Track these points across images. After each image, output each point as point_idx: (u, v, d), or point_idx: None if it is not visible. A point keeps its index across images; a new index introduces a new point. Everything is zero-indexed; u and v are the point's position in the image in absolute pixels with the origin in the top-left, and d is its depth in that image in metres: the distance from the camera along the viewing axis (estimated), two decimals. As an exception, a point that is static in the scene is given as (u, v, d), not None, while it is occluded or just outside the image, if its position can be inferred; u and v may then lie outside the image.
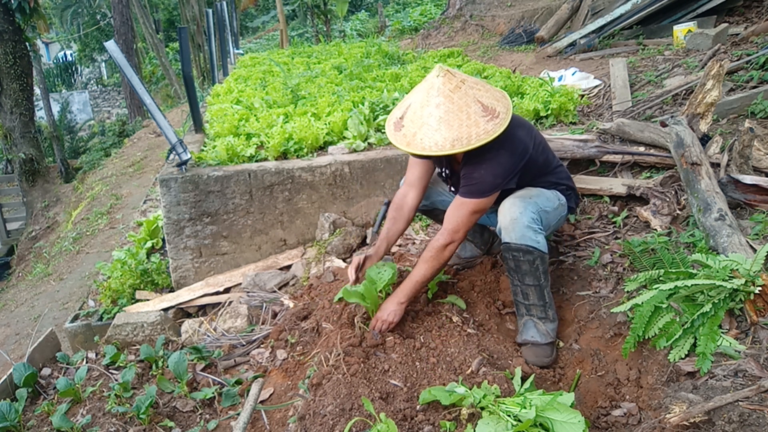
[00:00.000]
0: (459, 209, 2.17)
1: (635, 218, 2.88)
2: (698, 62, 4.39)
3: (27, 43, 10.78)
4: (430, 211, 2.69)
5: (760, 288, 1.91)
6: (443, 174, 2.46)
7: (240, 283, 3.41)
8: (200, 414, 2.46)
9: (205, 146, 3.89)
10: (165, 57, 15.84)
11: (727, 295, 1.95)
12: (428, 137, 1.97)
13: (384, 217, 2.42)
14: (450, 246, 2.20)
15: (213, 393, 2.52)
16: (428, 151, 1.97)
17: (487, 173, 2.11)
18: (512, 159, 2.14)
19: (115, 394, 2.54)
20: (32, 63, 11.06)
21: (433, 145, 1.96)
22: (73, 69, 26.15)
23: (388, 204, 2.41)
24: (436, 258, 2.20)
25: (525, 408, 1.70)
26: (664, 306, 2.05)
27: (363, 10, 20.04)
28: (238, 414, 2.30)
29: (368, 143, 3.78)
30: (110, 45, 3.29)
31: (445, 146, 1.95)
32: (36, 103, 12.30)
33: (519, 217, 2.17)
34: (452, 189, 2.45)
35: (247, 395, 2.16)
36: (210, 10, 7.16)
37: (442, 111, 1.98)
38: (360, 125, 3.83)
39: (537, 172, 2.32)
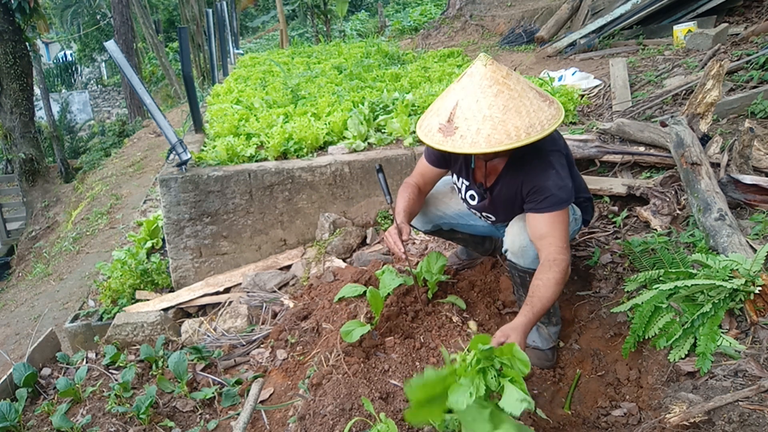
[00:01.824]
0: (557, 224, 1.93)
1: (635, 218, 2.88)
2: (698, 62, 4.39)
3: (27, 43, 10.76)
4: (433, 233, 2.64)
5: (760, 288, 1.91)
6: (461, 181, 2.30)
7: (240, 283, 3.41)
8: (200, 414, 2.46)
9: (205, 146, 3.89)
10: (165, 57, 15.83)
11: (727, 295, 1.95)
12: (497, 130, 1.75)
13: (386, 184, 2.28)
14: (569, 264, 1.96)
15: (213, 393, 2.52)
16: (500, 145, 1.74)
17: (557, 180, 1.94)
18: (563, 157, 2.03)
19: (115, 394, 2.54)
20: (32, 63, 11.05)
21: (505, 138, 1.74)
22: (73, 69, 26.14)
23: (379, 168, 2.25)
24: (565, 280, 1.91)
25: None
26: (664, 306, 2.05)
27: (363, 10, 20.04)
28: (238, 414, 2.30)
29: (368, 143, 3.78)
30: (110, 45, 3.29)
31: (520, 136, 1.74)
32: (36, 103, 12.29)
33: (529, 245, 2.05)
34: (471, 200, 2.29)
35: (247, 395, 2.16)
36: (210, 10, 7.16)
37: (504, 99, 1.78)
38: (360, 125, 3.83)
39: None
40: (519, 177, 2.02)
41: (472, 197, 2.27)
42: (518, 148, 1.82)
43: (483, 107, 1.78)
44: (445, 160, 2.29)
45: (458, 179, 2.32)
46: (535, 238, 1.99)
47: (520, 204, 2.08)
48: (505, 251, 2.18)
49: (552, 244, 1.92)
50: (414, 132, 3.78)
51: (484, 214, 2.32)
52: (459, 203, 2.46)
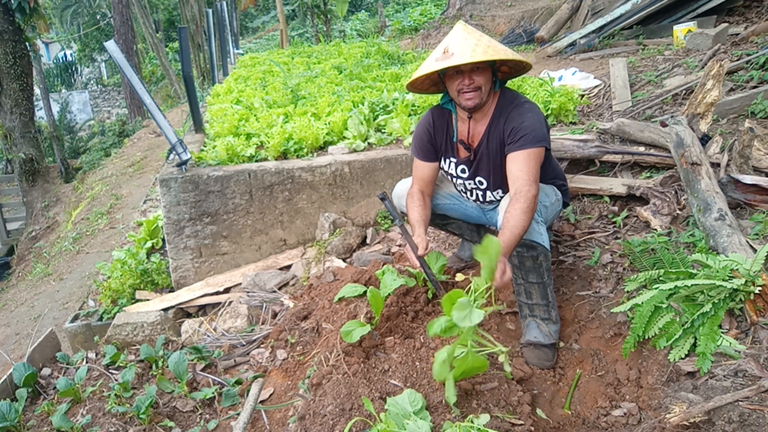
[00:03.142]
0: (528, 161, 2.11)
1: (635, 218, 2.88)
2: (698, 62, 4.39)
3: (27, 43, 10.76)
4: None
5: (760, 288, 1.91)
6: (448, 162, 2.42)
7: (240, 283, 3.41)
8: (200, 414, 2.46)
9: (205, 146, 3.89)
10: (165, 57, 15.83)
11: (727, 295, 1.95)
12: (488, 48, 2.05)
13: (394, 208, 2.34)
14: (537, 196, 2.10)
15: (213, 393, 2.52)
16: (493, 57, 2.03)
17: (533, 121, 2.14)
18: (539, 109, 2.23)
19: (115, 394, 2.54)
20: (32, 63, 11.05)
21: (494, 53, 2.04)
22: (73, 69, 26.14)
23: (384, 196, 2.34)
24: (532, 209, 2.05)
25: None
26: (664, 306, 2.05)
27: (363, 10, 20.04)
28: (238, 414, 2.30)
29: (368, 143, 3.78)
30: (110, 45, 3.29)
31: (507, 54, 2.08)
32: (36, 103, 12.28)
33: None
34: (463, 173, 2.41)
35: (247, 395, 2.16)
36: (210, 10, 7.16)
37: (487, 40, 2.11)
38: (360, 125, 3.83)
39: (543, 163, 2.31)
40: (500, 126, 2.22)
41: (463, 170, 2.40)
42: (499, 104, 2.22)
43: (472, 40, 2.09)
44: (432, 147, 2.40)
45: (446, 162, 2.44)
46: (511, 179, 2.14)
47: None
48: (501, 226, 2.22)
49: (520, 179, 2.09)
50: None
51: (477, 179, 2.39)
52: (448, 186, 2.60)
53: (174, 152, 3.35)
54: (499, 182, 2.34)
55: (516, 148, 2.13)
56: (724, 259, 2.06)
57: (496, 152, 2.26)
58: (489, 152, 2.28)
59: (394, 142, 3.80)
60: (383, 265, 2.60)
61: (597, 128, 3.60)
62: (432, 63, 2.13)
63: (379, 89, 4.80)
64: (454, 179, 2.49)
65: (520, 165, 2.12)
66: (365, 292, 2.42)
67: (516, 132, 2.14)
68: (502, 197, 2.39)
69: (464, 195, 2.54)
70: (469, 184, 2.44)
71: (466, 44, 2.06)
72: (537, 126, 2.14)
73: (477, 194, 2.46)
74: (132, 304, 3.53)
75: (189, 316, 3.40)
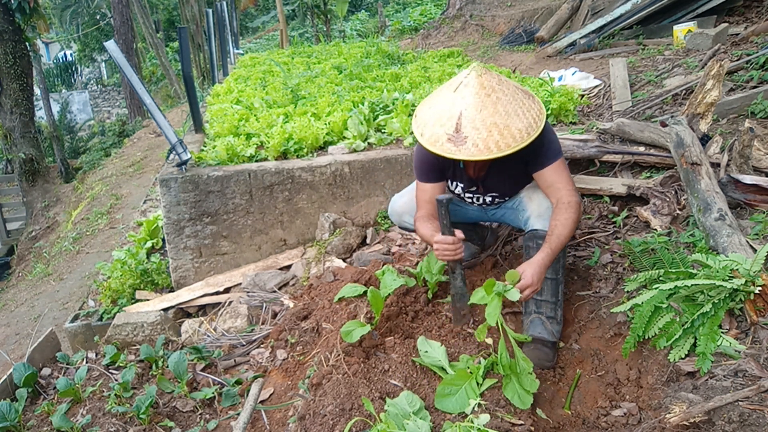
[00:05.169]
0: (561, 172, 2.18)
1: (635, 218, 2.88)
2: (698, 62, 4.39)
3: (27, 43, 10.76)
4: None
5: (760, 288, 1.91)
6: (455, 185, 2.44)
7: (240, 283, 3.41)
8: (200, 414, 2.46)
9: (205, 146, 3.89)
10: (165, 57, 15.83)
11: (727, 295, 1.95)
12: (504, 135, 1.97)
13: (447, 215, 2.22)
14: (581, 203, 2.18)
15: (213, 393, 2.52)
16: (509, 149, 1.96)
17: (549, 135, 2.18)
18: (548, 123, 2.23)
19: (115, 394, 2.54)
20: (32, 63, 11.04)
21: (512, 141, 1.96)
22: (73, 69, 26.14)
23: (442, 202, 2.23)
24: (579, 218, 2.13)
25: None
26: (664, 306, 2.05)
27: (363, 10, 20.03)
28: (238, 414, 2.30)
29: (368, 143, 3.78)
30: (110, 45, 3.29)
31: (523, 137, 1.98)
32: (36, 103, 12.27)
33: (552, 208, 2.22)
34: (473, 188, 2.42)
35: (247, 395, 2.16)
36: (210, 10, 7.16)
37: (503, 105, 2.00)
38: (360, 125, 3.83)
39: None
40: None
41: (474, 190, 2.42)
42: None
43: (486, 116, 1.97)
44: (441, 171, 2.37)
45: (452, 183, 2.44)
46: (545, 189, 2.23)
47: (522, 168, 2.25)
48: (527, 219, 2.31)
49: (562, 189, 2.15)
50: (413, 132, 3.78)
51: (489, 195, 2.43)
52: (446, 191, 2.58)
53: (174, 152, 3.35)
54: (511, 192, 2.43)
55: (544, 164, 2.19)
56: (724, 259, 2.06)
57: (510, 171, 2.30)
58: (500, 174, 2.32)
59: (394, 142, 3.80)
60: (383, 265, 2.60)
61: (597, 128, 3.60)
62: (443, 141, 2.01)
63: (379, 89, 4.79)
64: (462, 195, 2.50)
65: (555, 178, 2.18)
66: (365, 292, 2.42)
67: (538, 150, 2.16)
68: (508, 199, 2.47)
69: (468, 200, 2.54)
70: (479, 198, 2.48)
71: (482, 128, 1.95)
72: (554, 138, 2.20)
73: (485, 199, 2.48)
74: (132, 304, 3.53)
75: (189, 316, 3.41)
